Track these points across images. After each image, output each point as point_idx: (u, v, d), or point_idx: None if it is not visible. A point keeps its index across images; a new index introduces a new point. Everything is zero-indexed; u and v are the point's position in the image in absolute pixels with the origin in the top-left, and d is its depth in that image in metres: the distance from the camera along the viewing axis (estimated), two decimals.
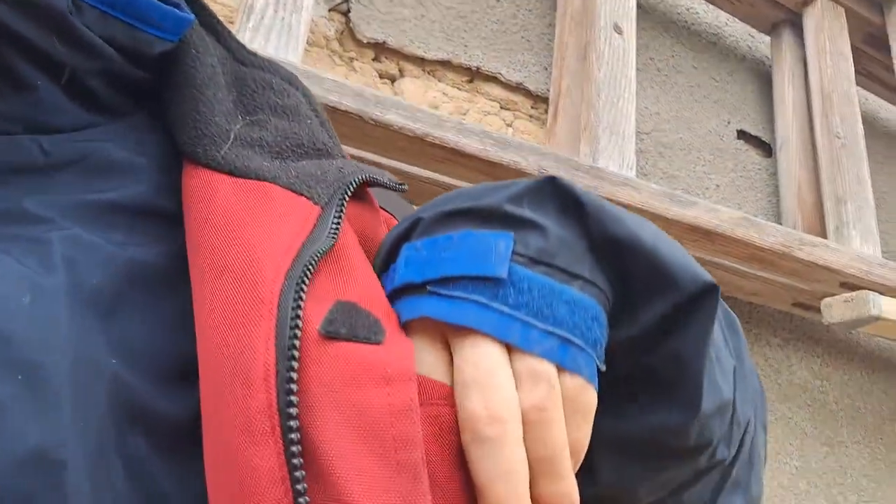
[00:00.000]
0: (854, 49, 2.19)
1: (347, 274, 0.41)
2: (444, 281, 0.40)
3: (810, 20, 2.18)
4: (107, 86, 0.50)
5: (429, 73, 1.65)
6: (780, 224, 1.96)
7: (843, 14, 2.21)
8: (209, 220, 0.43)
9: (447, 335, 0.40)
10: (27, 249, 0.39)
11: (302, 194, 0.44)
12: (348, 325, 0.37)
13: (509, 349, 0.38)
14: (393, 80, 1.61)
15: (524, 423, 0.38)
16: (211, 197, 0.44)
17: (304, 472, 0.32)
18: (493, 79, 1.73)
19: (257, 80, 0.54)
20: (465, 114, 1.65)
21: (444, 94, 1.65)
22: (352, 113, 1.15)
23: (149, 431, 0.37)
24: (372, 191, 0.52)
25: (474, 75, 1.71)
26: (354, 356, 0.36)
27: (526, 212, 0.42)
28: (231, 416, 0.34)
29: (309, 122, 0.53)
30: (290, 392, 0.34)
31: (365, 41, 1.56)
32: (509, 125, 1.71)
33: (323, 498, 0.32)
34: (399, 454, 0.34)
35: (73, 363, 0.36)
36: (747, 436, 0.51)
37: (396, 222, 0.51)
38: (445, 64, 1.66)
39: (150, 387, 0.38)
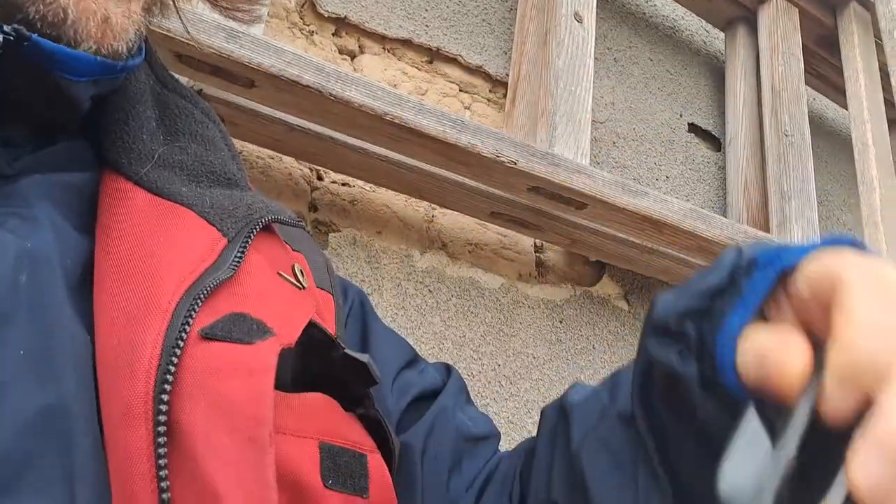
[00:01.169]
0: (806, 49, 2.23)
1: (243, 295, 0.48)
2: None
3: (765, 18, 2.22)
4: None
5: (389, 51, 1.64)
6: (727, 217, 2.00)
7: (797, 14, 2.25)
8: (124, 229, 0.49)
9: None
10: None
11: (213, 225, 0.51)
12: (226, 330, 0.44)
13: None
14: (353, 56, 1.59)
15: None
16: (129, 208, 0.50)
17: (166, 449, 0.39)
18: (452, 60, 1.72)
19: (179, 106, 0.60)
20: (423, 94, 1.64)
21: (403, 72, 1.64)
22: (312, 88, 1.14)
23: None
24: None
25: (434, 56, 1.70)
26: (224, 353, 0.43)
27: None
28: (116, 400, 0.40)
29: (222, 153, 0.60)
30: (166, 381, 0.40)
31: (326, 15, 1.54)
32: (467, 108, 1.72)
33: (182, 469, 0.39)
34: (251, 431, 0.40)
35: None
36: None
37: (294, 251, 0.61)
38: (406, 43, 1.66)
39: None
